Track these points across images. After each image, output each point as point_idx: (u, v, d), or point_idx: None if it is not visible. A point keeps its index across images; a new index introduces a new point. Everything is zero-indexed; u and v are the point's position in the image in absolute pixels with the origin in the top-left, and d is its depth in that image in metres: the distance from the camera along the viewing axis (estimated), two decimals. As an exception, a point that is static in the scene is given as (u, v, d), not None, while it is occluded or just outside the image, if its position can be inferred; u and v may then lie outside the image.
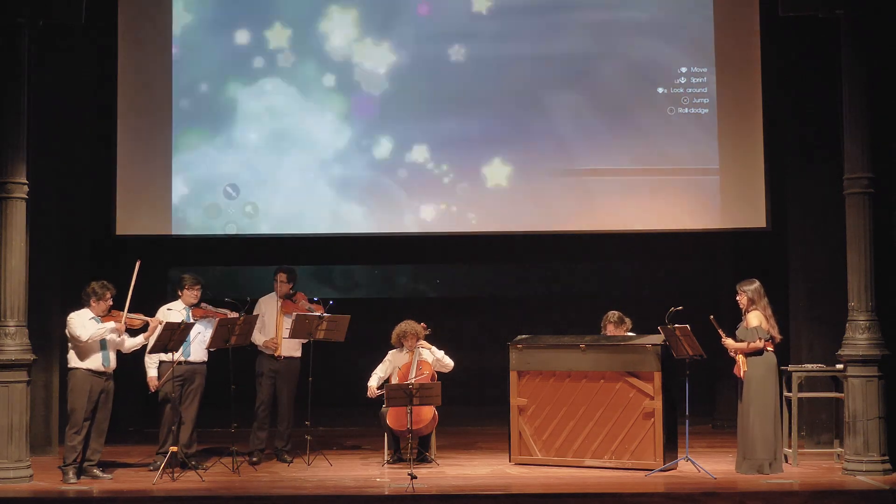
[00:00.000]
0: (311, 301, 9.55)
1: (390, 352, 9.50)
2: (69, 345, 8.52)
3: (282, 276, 9.54)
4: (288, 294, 9.54)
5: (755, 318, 8.51)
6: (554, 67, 10.64)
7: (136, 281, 8.48)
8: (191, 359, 8.94)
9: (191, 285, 9.09)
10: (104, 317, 8.54)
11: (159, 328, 8.60)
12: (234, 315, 9.08)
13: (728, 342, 8.55)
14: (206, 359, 9.12)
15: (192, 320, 8.90)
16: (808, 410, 9.58)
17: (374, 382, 9.35)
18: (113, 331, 8.44)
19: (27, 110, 8.64)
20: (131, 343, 8.67)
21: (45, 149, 9.61)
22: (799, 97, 9.98)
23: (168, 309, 9.06)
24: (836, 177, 8.98)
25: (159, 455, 8.95)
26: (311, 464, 9.22)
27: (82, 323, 8.43)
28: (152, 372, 8.95)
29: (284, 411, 9.48)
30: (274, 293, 9.57)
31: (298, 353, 9.55)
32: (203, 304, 9.14)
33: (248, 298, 9.48)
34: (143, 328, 8.78)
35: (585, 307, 10.14)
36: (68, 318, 8.49)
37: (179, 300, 9.12)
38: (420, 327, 9.41)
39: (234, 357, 9.04)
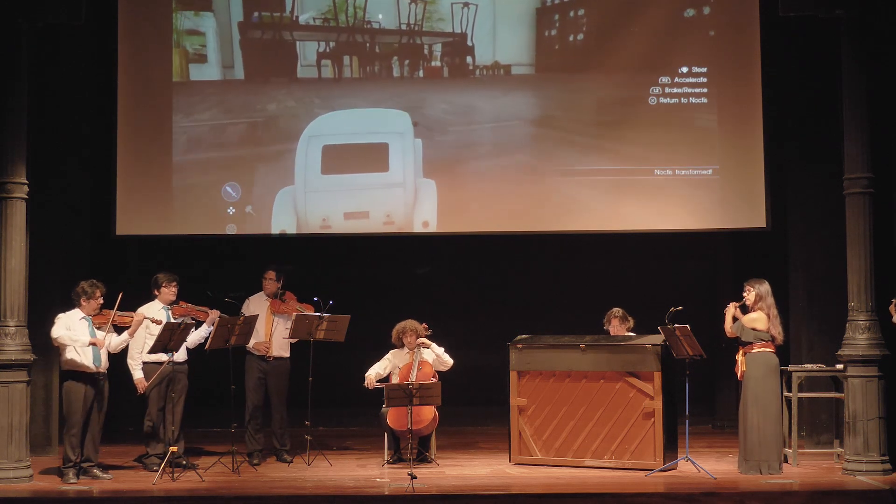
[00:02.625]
0: (306, 302, 9.52)
1: (391, 351, 9.51)
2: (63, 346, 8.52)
3: (270, 274, 9.50)
4: (277, 293, 9.51)
5: (753, 319, 8.52)
6: (553, 66, 10.64)
7: (118, 306, 8.50)
8: (174, 358, 8.83)
9: (167, 283, 9.04)
10: (95, 316, 8.53)
11: (156, 326, 8.60)
12: (215, 312, 9.03)
13: (731, 306, 8.60)
14: (186, 358, 9.09)
15: (174, 319, 8.85)
16: (808, 410, 9.59)
17: (372, 374, 9.34)
18: (86, 345, 8.38)
19: (27, 110, 8.65)
20: (117, 341, 8.63)
21: (45, 149, 9.61)
22: (799, 97, 9.98)
23: (146, 310, 8.92)
24: (835, 176, 8.98)
25: (153, 457, 8.94)
26: (311, 464, 9.22)
27: (67, 324, 8.43)
28: (139, 374, 8.91)
29: (277, 411, 9.47)
30: (262, 293, 9.54)
31: (287, 354, 9.53)
32: (182, 302, 9.11)
33: (209, 293, 9.43)
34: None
35: (585, 307, 10.13)
36: (56, 319, 8.49)
37: (156, 300, 9.06)
38: (421, 327, 9.41)
39: (234, 357, 9.04)
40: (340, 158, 10.33)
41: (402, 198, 10.39)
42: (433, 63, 10.61)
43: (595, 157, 10.59)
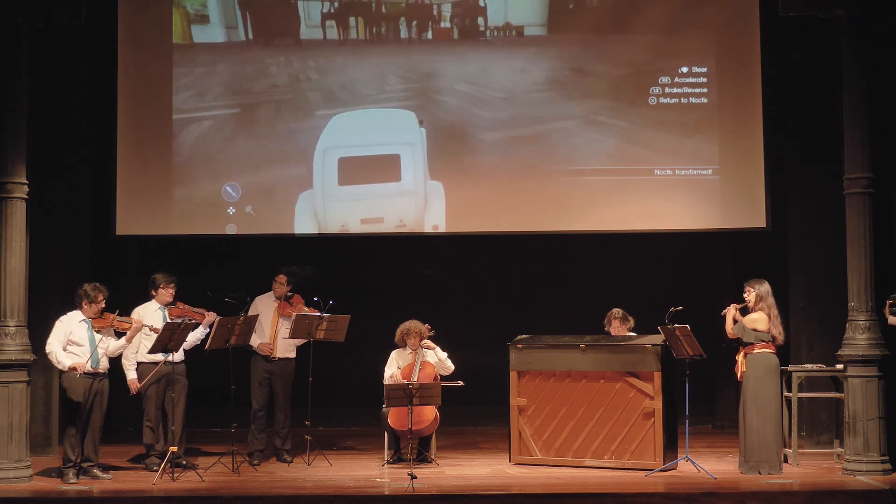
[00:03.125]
0: (308, 305, 9.53)
1: (394, 351, 9.51)
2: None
3: (282, 279, 9.54)
4: (285, 296, 9.53)
5: (754, 320, 8.53)
6: (553, 66, 10.64)
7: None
8: (171, 358, 8.81)
9: (165, 284, 9.05)
10: (95, 319, 8.53)
11: (149, 330, 8.63)
12: (211, 314, 9.04)
13: (730, 308, 8.60)
14: (183, 358, 9.08)
15: (171, 319, 8.84)
16: (808, 410, 9.58)
17: (396, 372, 9.31)
18: (71, 369, 8.38)
19: (27, 110, 8.65)
20: (114, 346, 8.65)
21: (46, 149, 9.61)
22: (799, 97, 9.97)
23: (142, 310, 8.98)
24: (836, 177, 8.98)
25: (153, 457, 8.95)
26: (311, 464, 9.22)
27: (65, 330, 8.45)
28: (132, 374, 8.92)
29: (281, 412, 9.48)
30: (271, 293, 9.56)
31: (293, 354, 9.55)
32: (179, 303, 9.11)
33: (248, 298, 9.48)
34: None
35: (585, 307, 10.13)
36: (56, 323, 8.50)
37: (153, 300, 9.07)
38: (424, 328, 9.41)
39: (234, 357, 9.04)
40: (355, 170, 10.53)
41: (413, 204, 10.56)
42: (443, 24, 10.56)
43: (595, 157, 10.58)
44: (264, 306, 9.48)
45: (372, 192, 10.44)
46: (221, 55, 10.69)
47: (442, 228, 10.62)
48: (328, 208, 10.47)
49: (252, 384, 9.44)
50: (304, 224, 10.56)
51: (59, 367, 8.46)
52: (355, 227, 10.61)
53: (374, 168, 10.49)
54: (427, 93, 10.63)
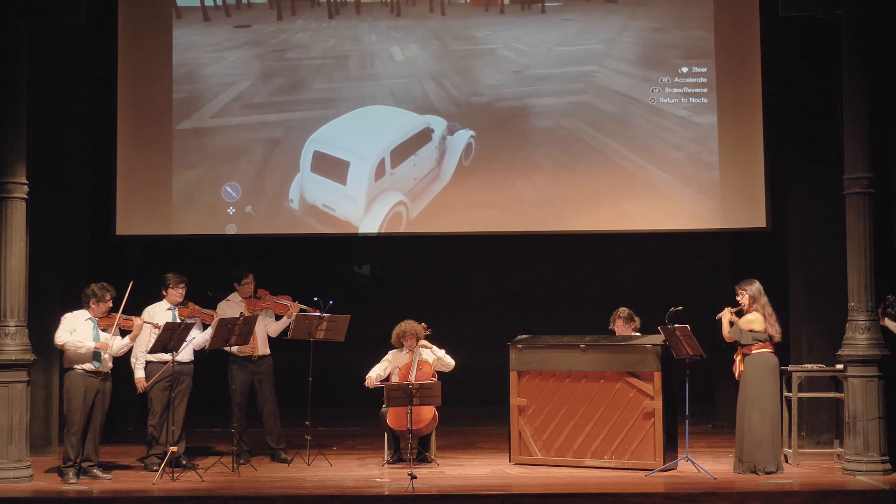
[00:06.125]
0: (274, 294, 9.54)
1: (391, 352, 9.51)
2: None
3: (250, 278, 9.51)
4: (251, 294, 9.53)
5: (750, 321, 8.53)
6: (553, 66, 10.65)
7: (127, 296, 8.54)
8: (179, 358, 8.81)
9: (175, 284, 9.06)
10: (102, 318, 8.54)
11: (148, 328, 8.63)
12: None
13: (726, 311, 8.63)
14: (192, 358, 9.09)
15: (178, 320, 8.84)
16: (808, 410, 9.59)
17: (373, 374, 9.33)
18: (88, 350, 8.41)
19: (27, 110, 8.65)
20: (119, 345, 8.65)
21: (46, 149, 9.62)
22: (799, 97, 9.98)
23: (153, 310, 9.00)
24: (836, 177, 8.99)
25: (153, 457, 8.94)
26: (311, 464, 9.22)
27: (71, 326, 8.46)
28: (140, 373, 8.93)
29: (270, 410, 9.43)
30: (234, 295, 9.52)
31: (269, 351, 9.50)
32: (190, 304, 9.11)
33: (209, 293, 9.41)
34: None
35: (586, 307, 10.15)
36: (62, 318, 8.51)
37: (164, 300, 9.08)
38: (420, 327, 9.41)
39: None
40: (321, 164, 10.73)
41: (353, 208, 10.72)
42: None
43: (595, 156, 10.59)
44: (232, 310, 9.35)
45: (329, 185, 10.79)
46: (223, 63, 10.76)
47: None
48: (304, 187, 10.76)
49: (233, 388, 9.34)
50: (293, 196, 10.71)
51: (80, 351, 8.38)
52: (320, 209, 10.79)
53: (331, 167, 10.72)
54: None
